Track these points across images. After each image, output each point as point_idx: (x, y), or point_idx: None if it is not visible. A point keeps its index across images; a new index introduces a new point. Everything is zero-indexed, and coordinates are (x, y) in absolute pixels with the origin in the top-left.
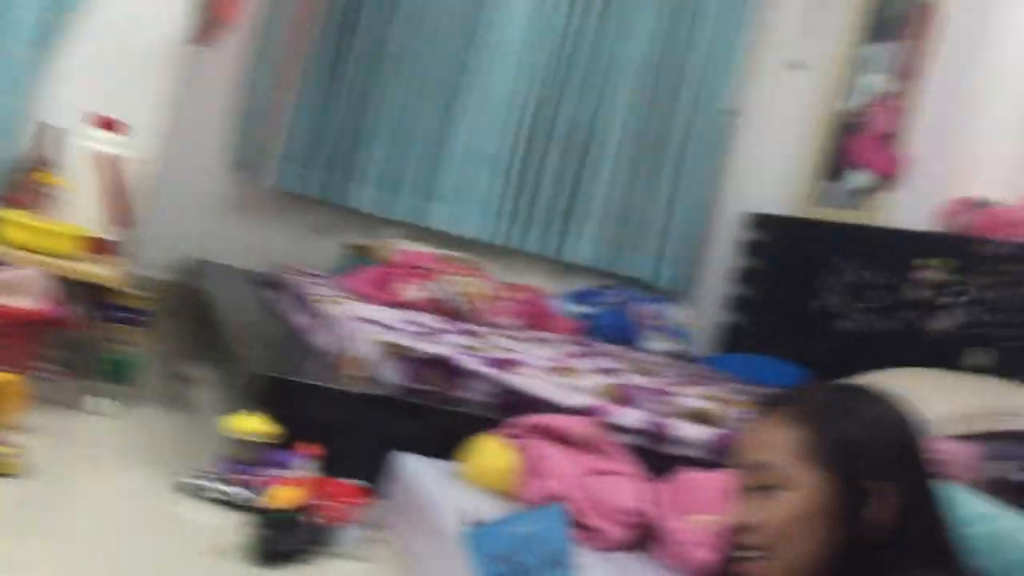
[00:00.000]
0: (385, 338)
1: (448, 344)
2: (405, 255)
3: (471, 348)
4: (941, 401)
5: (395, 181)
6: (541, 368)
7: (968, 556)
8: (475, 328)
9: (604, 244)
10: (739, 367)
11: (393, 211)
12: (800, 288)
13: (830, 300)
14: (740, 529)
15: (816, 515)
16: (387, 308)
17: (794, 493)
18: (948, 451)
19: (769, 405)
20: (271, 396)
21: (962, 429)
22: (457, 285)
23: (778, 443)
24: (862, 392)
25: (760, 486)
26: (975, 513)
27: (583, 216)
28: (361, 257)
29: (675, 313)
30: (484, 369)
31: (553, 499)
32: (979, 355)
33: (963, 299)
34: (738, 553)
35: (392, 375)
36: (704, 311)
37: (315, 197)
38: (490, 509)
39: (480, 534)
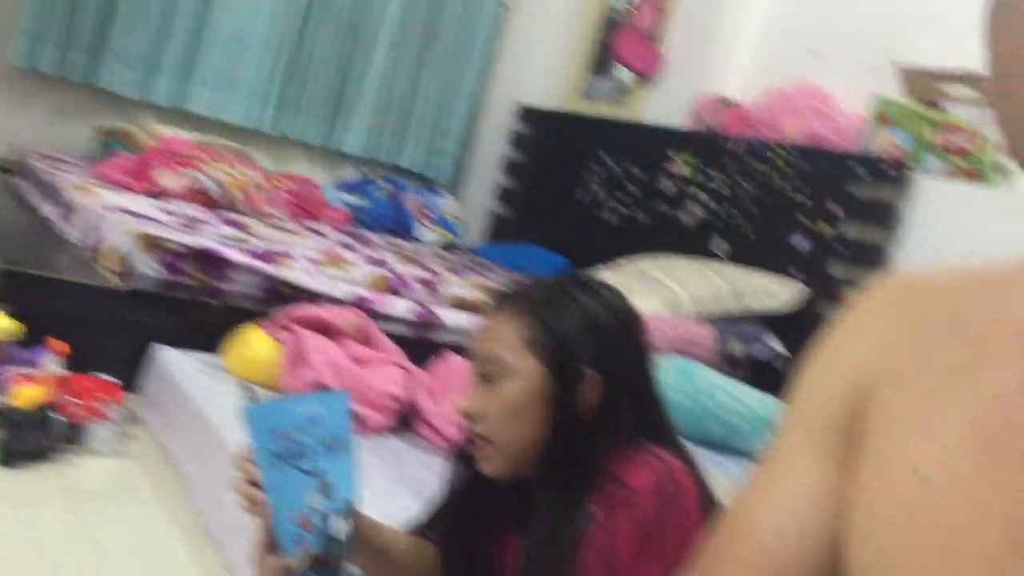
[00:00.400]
0: (142, 229)
1: (210, 235)
2: (164, 141)
3: (235, 239)
4: (684, 285)
5: (153, 62)
6: (308, 259)
7: (702, 423)
8: (240, 219)
9: (376, 134)
10: (505, 256)
11: (150, 94)
12: (564, 180)
13: (592, 192)
14: (467, 416)
15: (533, 403)
16: (144, 197)
17: (514, 383)
18: (688, 330)
19: (498, 299)
20: (16, 291)
21: (701, 310)
22: (221, 174)
23: (502, 335)
24: (580, 284)
25: (487, 376)
26: (709, 384)
27: (355, 105)
28: (116, 142)
29: (444, 204)
30: (247, 260)
31: (316, 387)
32: (719, 243)
33: (706, 192)
34: (469, 437)
35: (149, 268)
36: (473, 202)
37: (62, 77)
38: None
39: (259, 411)
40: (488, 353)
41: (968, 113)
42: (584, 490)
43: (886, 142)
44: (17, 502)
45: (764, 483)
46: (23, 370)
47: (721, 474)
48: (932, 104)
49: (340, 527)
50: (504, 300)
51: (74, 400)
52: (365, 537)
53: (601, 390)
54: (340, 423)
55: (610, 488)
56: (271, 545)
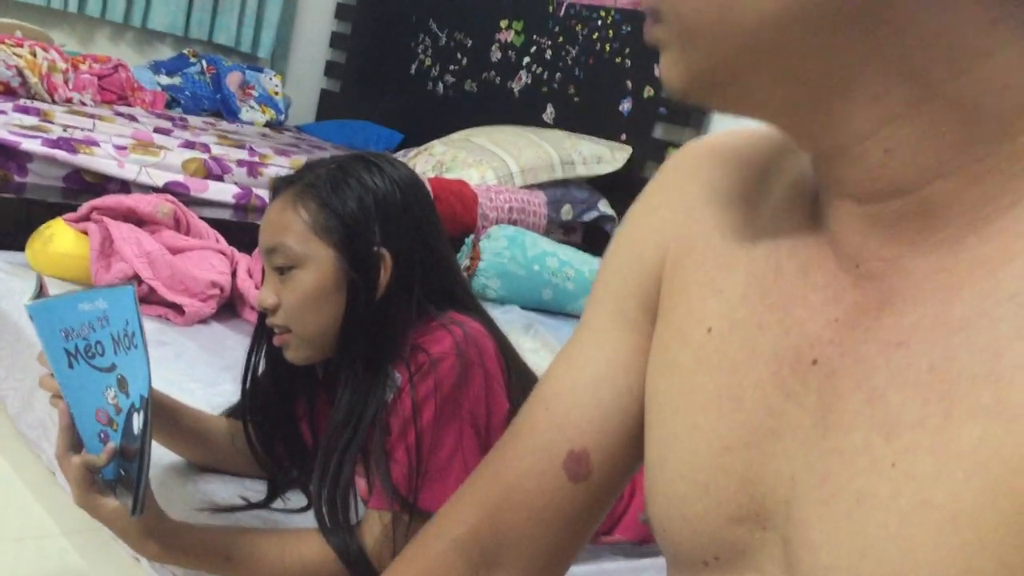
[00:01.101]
0: None
1: (4, 125)
2: None
3: (34, 128)
4: (514, 155)
5: None
6: (116, 147)
7: (534, 288)
8: (40, 106)
9: (189, 8)
10: (336, 134)
11: None
12: (394, 52)
13: (423, 63)
14: (264, 309)
15: (327, 288)
16: None
17: (305, 272)
18: (520, 198)
19: (280, 185)
20: None
21: (532, 179)
22: (15, 57)
23: (288, 224)
24: (362, 161)
25: (278, 267)
26: (540, 251)
27: None
28: None
29: (268, 81)
30: (46, 149)
31: (128, 280)
32: (549, 111)
33: (534, 60)
34: (271, 331)
35: None
36: (299, 78)
37: None
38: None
39: (45, 308)
40: (276, 244)
41: None
42: (385, 361)
43: None
44: None
45: (570, 352)
46: None
47: (553, 335)
48: None
49: (136, 421)
50: (286, 186)
51: None
52: (171, 425)
53: (392, 265)
54: (128, 317)
55: (412, 356)
56: (74, 443)
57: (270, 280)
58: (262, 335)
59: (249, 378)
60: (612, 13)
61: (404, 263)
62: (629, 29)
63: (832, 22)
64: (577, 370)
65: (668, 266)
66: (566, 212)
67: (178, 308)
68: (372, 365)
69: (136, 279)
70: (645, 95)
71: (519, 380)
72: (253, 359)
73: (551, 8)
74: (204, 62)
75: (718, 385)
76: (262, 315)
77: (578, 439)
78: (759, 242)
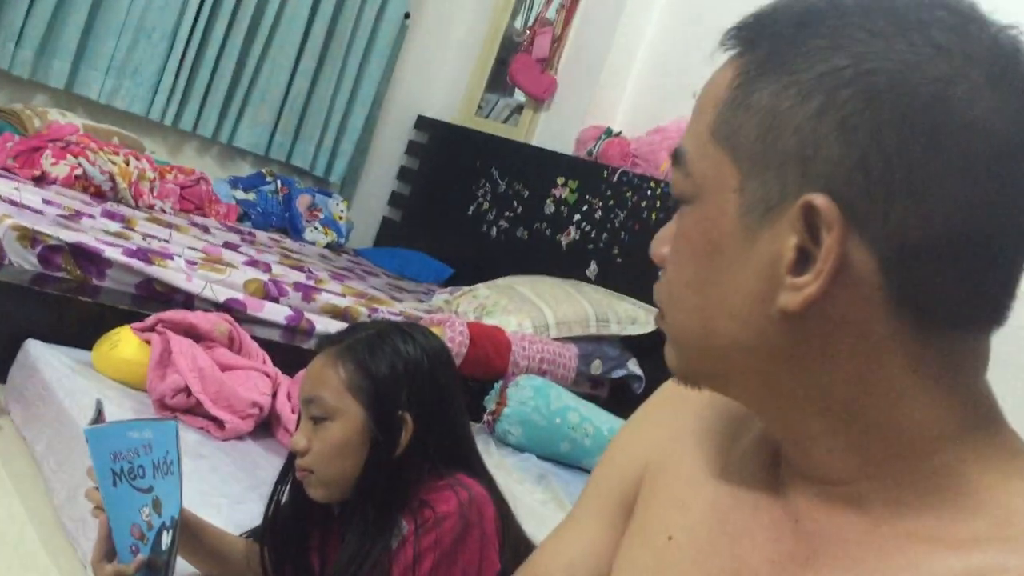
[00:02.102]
0: (19, 221)
1: (91, 229)
2: (54, 127)
3: (117, 234)
4: (552, 307)
5: (48, 42)
6: (188, 260)
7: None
8: (123, 212)
9: (273, 131)
10: (391, 261)
11: (43, 75)
12: (455, 192)
13: (481, 206)
14: (296, 452)
15: (352, 441)
16: (29, 184)
17: (335, 423)
18: (552, 349)
19: (324, 343)
20: None
21: (566, 332)
22: (109, 163)
23: (326, 379)
24: (397, 330)
25: (312, 416)
26: (562, 404)
27: (256, 101)
28: (6, 124)
29: (334, 205)
30: (125, 259)
31: (178, 392)
32: (592, 267)
33: (584, 217)
34: (297, 470)
35: (25, 261)
36: (365, 205)
37: None
38: (116, 400)
39: (101, 432)
40: (314, 395)
41: None
42: (394, 511)
43: None
44: None
45: (557, 535)
46: None
47: (564, 488)
48: None
49: (165, 538)
50: (329, 345)
51: None
52: (196, 542)
53: (413, 428)
54: (169, 448)
55: (419, 511)
56: (108, 552)
57: (304, 426)
58: (289, 469)
59: (272, 506)
60: (661, 185)
61: (424, 426)
62: (676, 202)
63: (780, 356)
64: (559, 552)
65: (647, 476)
66: (596, 367)
67: (219, 423)
68: (382, 513)
69: (186, 391)
70: None
71: (513, 544)
72: (279, 490)
73: (605, 174)
74: (279, 182)
75: None
76: (291, 455)
77: None
78: (725, 474)
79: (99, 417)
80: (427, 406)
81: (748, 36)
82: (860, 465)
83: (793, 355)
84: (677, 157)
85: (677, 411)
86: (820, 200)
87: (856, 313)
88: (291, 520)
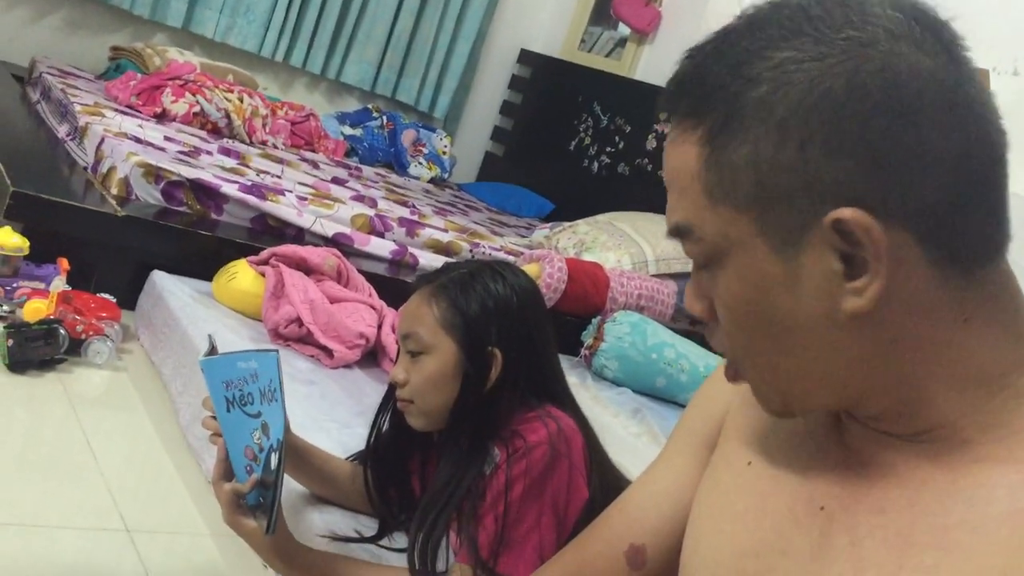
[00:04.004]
0: (143, 158)
1: (209, 165)
2: (173, 65)
3: (232, 170)
4: (652, 243)
5: None
6: (299, 195)
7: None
8: (240, 148)
9: (379, 67)
10: (492, 195)
11: (162, 15)
12: (558, 126)
13: (583, 141)
14: (394, 382)
15: (447, 375)
16: (151, 121)
17: (431, 358)
18: (651, 286)
19: (420, 281)
20: (26, 211)
21: (665, 268)
22: (224, 101)
23: (422, 316)
24: (489, 269)
25: (410, 351)
26: (659, 340)
27: (359, 38)
28: (128, 62)
29: (438, 140)
30: (240, 194)
31: (291, 322)
32: None
33: None
34: (397, 400)
35: (150, 196)
36: (468, 140)
37: None
38: (235, 328)
39: (213, 363)
40: (411, 331)
41: None
42: (486, 440)
43: None
44: (22, 405)
45: (649, 471)
46: (32, 284)
47: (659, 423)
48: None
49: (273, 459)
50: (424, 283)
51: (77, 316)
52: (304, 465)
53: (503, 363)
54: (272, 376)
55: (511, 440)
56: (227, 473)
57: (403, 360)
58: (390, 400)
59: (375, 433)
60: None
61: (513, 361)
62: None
63: (867, 355)
64: (650, 483)
65: (728, 416)
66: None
67: (329, 352)
68: (475, 442)
69: (298, 322)
70: None
71: (600, 473)
72: (380, 418)
73: None
74: (384, 117)
75: (747, 505)
76: (392, 386)
77: (639, 536)
78: (795, 421)
79: (212, 350)
80: (516, 342)
81: (691, 107)
82: (929, 420)
83: (875, 350)
84: (681, 232)
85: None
86: (847, 213)
87: (911, 287)
88: (392, 446)
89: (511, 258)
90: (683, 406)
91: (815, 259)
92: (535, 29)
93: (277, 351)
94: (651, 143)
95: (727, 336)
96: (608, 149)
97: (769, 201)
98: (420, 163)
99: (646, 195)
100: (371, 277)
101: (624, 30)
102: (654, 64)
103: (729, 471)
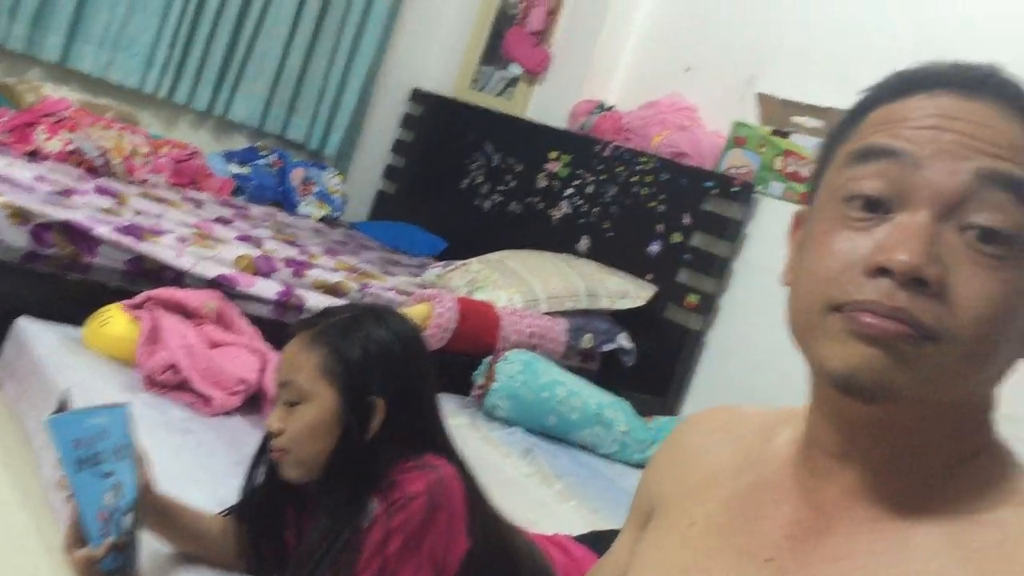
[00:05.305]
0: (10, 200)
1: (84, 206)
2: (48, 101)
3: (108, 211)
4: (543, 282)
5: (42, 15)
6: (180, 236)
7: (540, 414)
8: (118, 187)
9: (268, 104)
10: (385, 234)
11: (38, 49)
12: (450, 165)
13: (475, 179)
14: (271, 432)
15: (326, 424)
16: (22, 159)
17: (310, 407)
18: (542, 324)
19: (299, 326)
20: None
21: (556, 306)
22: (104, 138)
23: (301, 363)
24: (372, 314)
25: (287, 399)
26: (550, 379)
27: (251, 74)
28: (1, 98)
29: (329, 178)
30: (115, 236)
31: (166, 369)
32: (583, 242)
33: (576, 192)
34: (272, 450)
35: (16, 239)
36: (360, 178)
37: None
38: (108, 376)
39: (61, 421)
40: (287, 379)
41: (809, 143)
42: (364, 492)
43: (738, 162)
44: None
45: (614, 544)
46: None
47: (549, 462)
48: (781, 131)
49: (127, 520)
50: (304, 328)
51: None
52: (169, 520)
53: (385, 413)
54: (122, 432)
55: (389, 492)
56: (79, 538)
57: (280, 408)
58: (265, 449)
59: (249, 485)
60: (653, 160)
61: (396, 410)
62: (666, 177)
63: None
64: (611, 555)
65: (666, 483)
66: (587, 340)
67: (207, 399)
68: (353, 493)
69: (174, 368)
70: (673, 240)
71: (483, 521)
72: (254, 469)
73: (598, 148)
74: (274, 155)
75: (691, 562)
76: (268, 434)
77: None
78: (743, 475)
79: (62, 407)
80: (399, 390)
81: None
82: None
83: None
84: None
85: (687, 440)
86: None
87: None
88: (266, 498)
89: (402, 298)
90: (574, 445)
91: None
92: (427, 68)
93: (127, 405)
94: (541, 181)
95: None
96: (500, 188)
97: None
98: (310, 202)
99: (537, 233)
100: (256, 320)
101: (515, 70)
102: (544, 104)
103: (673, 533)
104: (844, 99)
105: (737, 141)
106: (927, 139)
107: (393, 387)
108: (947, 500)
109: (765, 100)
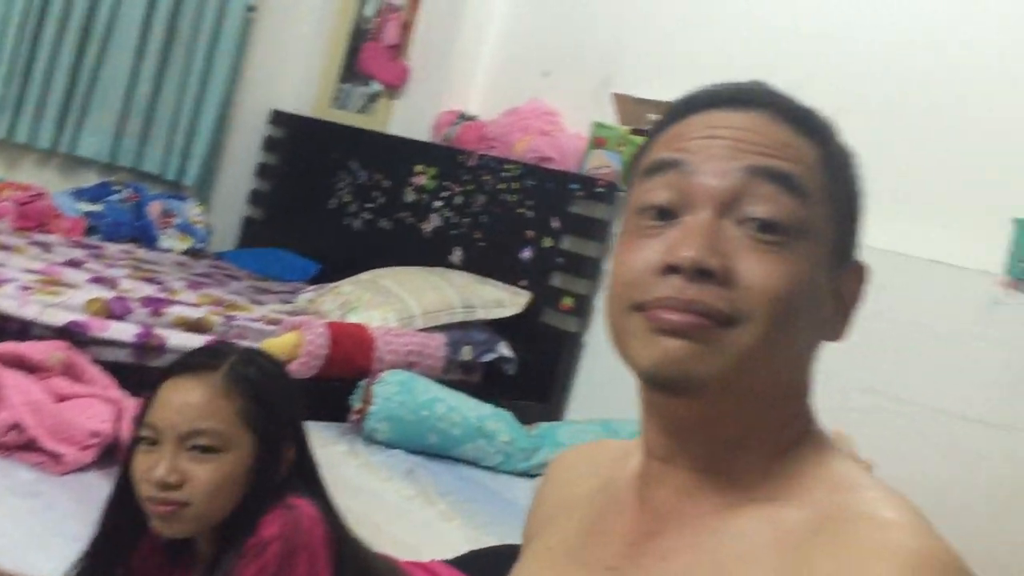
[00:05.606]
0: None
1: None
2: None
3: None
4: (417, 297)
5: None
6: (22, 285)
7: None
8: None
9: (118, 137)
10: (254, 262)
11: None
12: (316, 186)
13: (342, 198)
14: (166, 485)
15: (240, 474)
16: None
17: (228, 456)
18: (418, 341)
19: (181, 369)
20: None
21: (432, 322)
22: None
23: (217, 408)
24: (268, 359)
25: (200, 446)
26: (429, 396)
27: (96, 106)
28: None
29: (190, 210)
30: None
31: (9, 429)
32: (457, 253)
33: (445, 204)
34: (157, 502)
35: None
36: (224, 206)
37: None
38: None
39: None
40: (202, 427)
41: None
42: (241, 543)
43: (600, 163)
44: None
45: None
46: None
47: (432, 481)
48: (639, 129)
49: None
50: (207, 370)
51: None
52: None
53: (291, 459)
54: None
55: (248, 538)
56: None
57: (175, 457)
58: (127, 502)
59: (104, 544)
60: (518, 167)
61: (299, 458)
62: (532, 183)
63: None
64: None
65: (531, 516)
66: (466, 353)
67: (57, 457)
68: (232, 545)
69: (19, 427)
70: (545, 245)
71: (352, 559)
72: (110, 523)
73: (462, 158)
74: (128, 190)
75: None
76: (123, 485)
77: None
78: (597, 498)
79: None
80: (299, 436)
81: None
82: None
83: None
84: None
85: (554, 478)
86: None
87: None
88: (115, 558)
89: (271, 328)
90: (458, 460)
91: None
92: (285, 88)
93: None
94: (409, 196)
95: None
96: (368, 205)
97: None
98: (171, 235)
99: (410, 248)
100: (114, 366)
101: (375, 85)
102: (407, 117)
103: (533, 561)
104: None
105: (598, 142)
106: (701, 148)
107: (296, 433)
108: (767, 488)
109: (621, 100)
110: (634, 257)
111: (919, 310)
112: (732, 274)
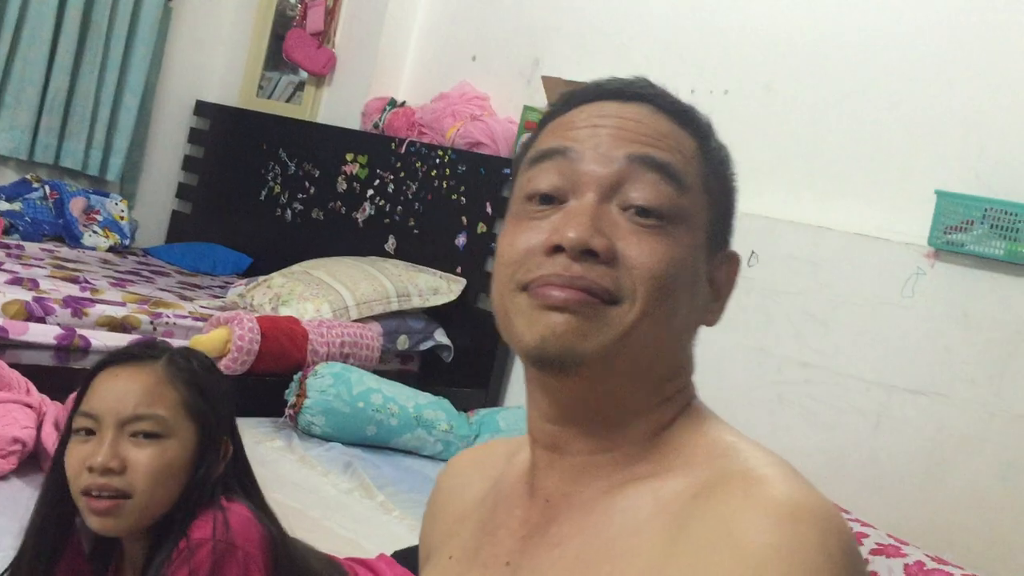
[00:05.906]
0: None
1: None
2: None
3: None
4: (351, 288)
5: None
6: None
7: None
8: None
9: (35, 133)
10: (182, 257)
11: None
12: (245, 177)
13: (272, 189)
14: (106, 471)
15: (182, 465)
16: None
17: (171, 442)
18: (353, 332)
19: (138, 355)
20: None
21: (366, 312)
22: None
23: (162, 395)
24: (200, 357)
25: (143, 432)
26: (365, 388)
27: (10, 102)
28: None
29: (114, 206)
30: None
31: None
32: (390, 241)
33: (377, 192)
34: (96, 494)
35: None
36: (149, 201)
37: None
38: None
39: None
40: (147, 412)
41: None
42: (172, 546)
43: None
44: None
45: None
46: None
47: (371, 472)
48: None
49: None
50: (149, 359)
51: None
52: None
53: (229, 452)
54: None
55: (179, 541)
56: None
57: (117, 442)
58: (62, 498)
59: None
60: (449, 153)
61: (235, 451)
62: (464, 169)
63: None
64: None
65: (430, 528)
66: (402, 342)
67: None
68: (162, 544)
69: None
70: (479, 230)
71: (288, 560)
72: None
73: (393, 145)
74: (48, 187)
75: None
76: (59, 481)
77: None
78: (488, 499)
79: None
80: (235, 432)
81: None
82: (599, 443)
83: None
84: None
85: (445, 484)
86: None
87: None
88: (42, 569)
89: (200, 324)
90: (397, 451)
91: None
92: (209, 78)
93: None
94: (341, 185)
95: (630, 266)
96: (300, 195)
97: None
98: (95, 232)
99: (343, 238)
100: (32, 370)
101: (302, 73)
102: (335, 105)
103: (437, 570)
104: (624, 74)
105: (528, 126)
106: (587, 136)
107: (234, 432)
108: (651, 464)
109: (549, 82)
110: (520, 239)
111: (848, 283)
112: (615, 254)
